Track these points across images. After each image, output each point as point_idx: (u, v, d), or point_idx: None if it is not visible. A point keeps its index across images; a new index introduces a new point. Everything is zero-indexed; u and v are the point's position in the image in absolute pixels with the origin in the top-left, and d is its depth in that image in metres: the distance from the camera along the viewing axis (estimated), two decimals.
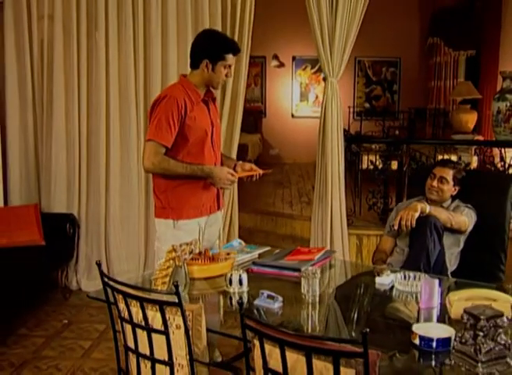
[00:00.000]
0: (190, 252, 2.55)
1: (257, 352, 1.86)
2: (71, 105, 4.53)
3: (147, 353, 2.16)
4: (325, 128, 4.47)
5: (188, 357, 2.07)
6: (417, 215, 3.00)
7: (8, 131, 4.57)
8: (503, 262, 3.28)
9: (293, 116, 10.09)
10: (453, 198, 3.35)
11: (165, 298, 2.09)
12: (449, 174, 3.28)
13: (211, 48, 2.99)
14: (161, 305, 2.06)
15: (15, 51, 4.53)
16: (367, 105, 9.89)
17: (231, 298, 2.53)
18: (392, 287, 2.60)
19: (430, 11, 9.00)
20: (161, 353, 2.13)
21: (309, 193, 6.40)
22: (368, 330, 1.62)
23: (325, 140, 4.46)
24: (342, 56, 4.41)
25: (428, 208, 3.05)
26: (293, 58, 9.93)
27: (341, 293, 2.66)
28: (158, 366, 2.15)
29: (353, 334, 2.16)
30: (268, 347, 1.82)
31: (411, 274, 2.59)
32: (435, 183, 3.29)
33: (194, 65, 3.02)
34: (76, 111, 4.53)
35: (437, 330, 2.03)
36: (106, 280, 2.21)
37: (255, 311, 2.34)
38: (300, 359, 1.76)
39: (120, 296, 2.17)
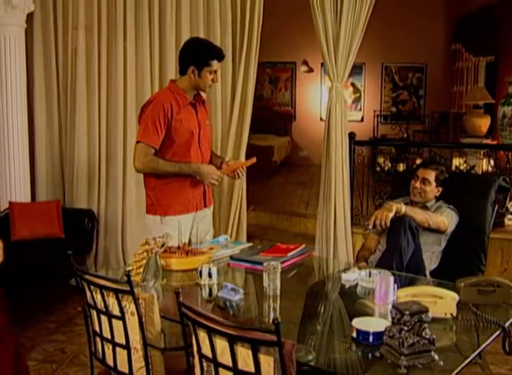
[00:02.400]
0: (162, 245, 2.72)
1: (194, 338, 2.01)
2: (92, 108, 4.82)
3: (109, 337, 2.34)
4: (329, 131, 4.58)
5: (142, 342, 2.23)
6: (391, 215, 3.08)
7: (35, 133, 4.89)
8: (483, 262, 3.33)
9: (321, 119, 10.18)
10: (437, 198, 3.40)
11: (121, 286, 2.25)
12: (431, 175, 3.34)
13: (196, 55, 3.17)
14: (117, 293, 2.23)
15: (42, 57, 4.87)
16: (393, 109, 9.91)
17: (201, 290, 2.69)
18: (358, 283, 2.69)
19: (454, 17, 9.02)
20: (120, 337, 2.30)
21: None
22: (279, 319, 1.74)
23: (329, 142, 4.58)
24: (346, 61, 4.51)
25: (403, 209, 3.12)
26: (322, 64, 10.00)
27: (305, 288, 2.77)
28: (118, 349, 2.33)
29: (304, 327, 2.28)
30: (202, 334, 1.96)
31: (375, 271, 2.67)
32: (417, 184, 3.36)
33: (182, 71, 3.20)
34: (97, 114, 4.81)
35: (376, 324, 2.12)
36: (75, 270, 2.41)
37: (222, 302, 2.50)
38: (227, 346, 1.89)
39: (85, 284, 2.35)
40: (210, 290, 2.68)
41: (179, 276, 2.86)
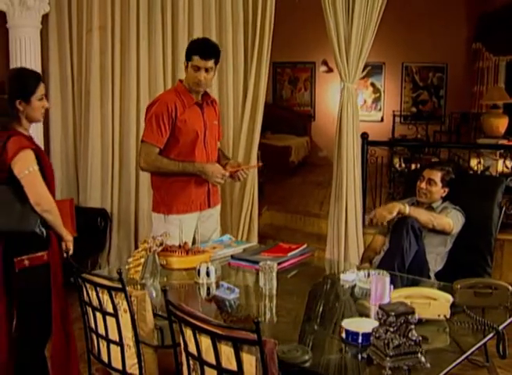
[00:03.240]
0: (161, 244, 2.75)
1: (181, 336, 2.03)
2: (105, 108, 4.87)
3: (104, 334, 2.37)
4: (340, 131, 4.57)
5: (134, 339, 2.26)
6: (390, 216, 3.07)
7: (50, 133, 4.96)
8: (489, 264, 3.29)
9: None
10: (444, 199, 3.37)
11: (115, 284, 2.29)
12: (437, 176, 3.32)
13: (187, 50, 3.20)
14: (109, 290, 2.26)
15: (57, 58, 4.93)
16: (413, 109, 9.82)
17: (199, 288, 2.71)
18: (356, 284, 2.68)
19: (476, 16, 8.90)
20: (113, 334, 2.33)
21: None
22: (259, 319, 1.75)
23: (340, 142, 4.56)
24: (358, 62, 4.48)
25: (407, 209, 3.10)
26: None
27: (304, 288, 2.77)
28: (112, 346, 2.37)
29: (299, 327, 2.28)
30: (188, 332, 1.98)
31: (373, 272, 2.66)
32: (423, 184, 3.34)
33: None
34: (110, 114, 4.86)
35: (367, 325, 2.11)
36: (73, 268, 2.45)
37: (219, 301, 2.52)
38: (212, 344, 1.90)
39: (81, 281, 2.39)
40: (208, 289, 2.70)
41: (180, 274, 2.89)
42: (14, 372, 2.76)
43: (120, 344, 2.32)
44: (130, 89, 4.78)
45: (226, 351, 1.87)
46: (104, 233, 4.86)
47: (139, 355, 2.27)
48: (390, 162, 5.96)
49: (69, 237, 2.89)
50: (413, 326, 1.94)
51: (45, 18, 4.70)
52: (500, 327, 2.21)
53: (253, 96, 4.70)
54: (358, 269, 2.81)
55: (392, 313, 1.92)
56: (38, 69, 4.59)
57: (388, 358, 1.90)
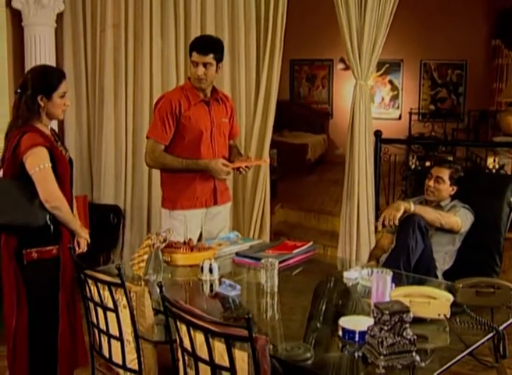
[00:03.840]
0: (164, 241, 2.77)
1: (176, 332, 2.04)
2: (119, 105, 4.90)
3: (105, 329, 2.40)
4: (353, 129, 4.54)
5: (133, 334, 2.28)
6: (399, 214, 3.04)
7: (65, 130, 5.01)
8: (498, 263, 3.26)
9: None
10: (453, 197, 3.33)
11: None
12: (445, 174, 3.29)
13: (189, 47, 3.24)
14: (109, 286, 2.28)
15: (72, 56, 4.97)
16: (432, 107, 9.70)
17: (202, 285, 2.72)
18: (359, 282, 2.67)
19: (495, 13, 8.77)
20: (114, 329, 2.36)
21: None
22: (250, 315, 1.75)
23: (352, 140, 4.54)
24: (370, 59, 4.44)
25: (412, 208, 3.08)
26: None
27: (307, 285, 2.76)
28: (112, 341, 2.39)
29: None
30: (183, 327, 1.99)
31: (376, 270, 2.64)
32: (431, 182, 3.31)
33: None
34: (123, 111, 4.90)
35: (364, 323, 2.10)
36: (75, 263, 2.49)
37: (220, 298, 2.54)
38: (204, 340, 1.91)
39: (83, 277, 2.42)
40: (211, 285, 2.71)
41: (185, 271, 2.91)
42: (27, 362, 2.81)
43: (120, 339, 2.34)
44: (143, 86, 4.81)
45: (219, 347, 1.88)
46: (117, 229, 4.91)
47: (138, 350, 2.29)
48: (407, 160, 5.92)
49: (83, 234, 2.93)
50: (408, 325, 1.93)
51: (60, 16, 4.76)
52: (501, 327, 2.19)
53: (265, 93, 4.69)
54: (362, 267, 2.79)
55: (387, 312, 1.91)
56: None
57: (382, 357, 1.89)
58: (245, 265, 2.96)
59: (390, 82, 9.85)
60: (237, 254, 3.04)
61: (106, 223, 4.81)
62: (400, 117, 9.60)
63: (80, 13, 4.87)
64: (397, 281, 2.64)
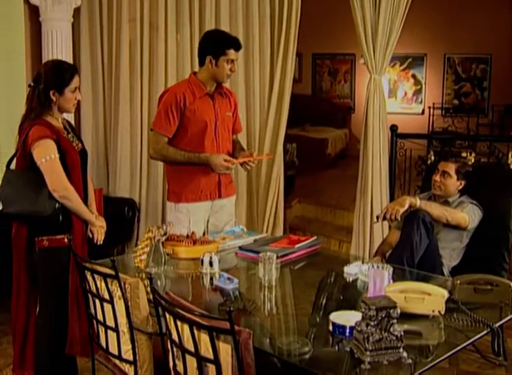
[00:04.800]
0: (164, 234, 2.78)
1: (164, 324, 2.06)
2: (134, 99, 4.95)
3: (102, 320, 2.43)
4: (367, 123, 4.51)
5: (128, 325, 2.30)
6: (402, 209, 3.01)
7: (82, 125, 5.07)
8: (506, 260, 3.20)
9: None
10: (461, 193, 3.28)
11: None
12: (451, 168, 3.24)
13: (213, 45, 3.24)
14: (105, 277, 2.31)
15: (89, 51, 5.03)
16: (455, 101, 9.52)
17: (203, 278, 2.74)
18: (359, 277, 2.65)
19: None
20: (110, 320, 2.39)
21: None
22: (231, 308, 1.75)
23: (367, 134, 4.51)
24: (385, 53, 4.40)
25: (418, 203, 3.04)
26: None
27: (307, 280, 2.75)
28: (109, 331, 2.42)
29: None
30: (171, 320, 2.00)
31: (376, 265, 2.62)
32: (437, 177, 3.27)
33: (201, 62, 3.29)
34: (139, 104, 4.94)
35: (355, 319, 2.08)
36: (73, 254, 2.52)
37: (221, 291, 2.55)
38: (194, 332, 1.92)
39: (81, 268, 2.46)
40: (211, 278, 2.72)
41: (187, 264, 2.93)
42: (33, 349, 2.90)
43: (116, 330, 2.37)
44: (159, 81, 4.85)
45: (205, 339, 1.89)
46: (132, 222, 4.96)
47: (133, 341, 2.31)
48: (427, 156, 5.83)
49: (97, 223, 2.98)
50: (395, 321, 1.90)
51: (77, 11, 4.82)
52: (496, 325, 2.15)
53: (279, 89, 4.69)
54: (363, 262, 2.77)
55: (373, 307, 1.89)
56: (70, 62, 4.73)
57: (368, 353, 1.87)
58: (247, 259, 2.96)
59: (413, 76, 9.72)
60: (240, 248, 3.04)
61: (121, 216, 4.87)
62: (422, 112, 9.46)
63: (96, 8, 4.92)
64: (400, 277, 2.64)
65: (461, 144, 6.27)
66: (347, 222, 5.49)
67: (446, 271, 3.17)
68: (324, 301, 2.51)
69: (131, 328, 2.30)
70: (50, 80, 2.78)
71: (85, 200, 2.94)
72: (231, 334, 1.78)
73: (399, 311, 1.91)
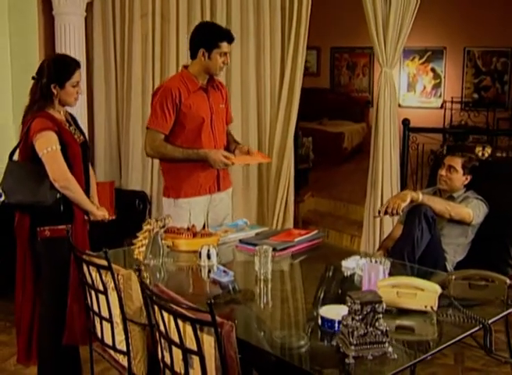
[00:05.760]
0: (163, 226, 2.80)
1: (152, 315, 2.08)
2: (146, 94, 4.95)
3: (97, 311, 2.46)
4: (377, 117, 4.48)
5: (121, 316, 2.32)
6: (404, 204, 2.97)
7: (95, 118, 5.13)
8: None
9: (399, 105, 9.79)
10: (467, 188, 3.24)
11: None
12: (457, 163, 3.20)
13: (206, 37, 3.23)
14: (98, 268, 2.33)
15: (102, 44, 5.07)
16: (475, 95, 9.35)
17: (201, 271, 2.75)
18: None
19: None
20: (104, 311, 2.41)
21: None
22: (212, 300, 1.75)
23: (377, 128, 4.49)
24: (396, 46, 4.36)
25: (420, 197, 3.01)
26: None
27: (303, 273, 2.75)
28: (104, 322, 2.45)
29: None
30: (158, 311, 2.01)
31: (375, 260, 2.59)
32: (443, 172, 3.23)
33: (193, 55, 3.27)
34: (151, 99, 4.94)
35: (345, 313, 2.07)
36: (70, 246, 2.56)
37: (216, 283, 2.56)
38: (179, 325, 1.93)
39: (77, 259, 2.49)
40: (209, 271, 2.73)
41: (187, 256, 2.93)
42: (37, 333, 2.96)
43: (110, 321, 2.40)
44: (170, 74, 4.83)
45: (190, 331, 1.90)
46: (143, 215, 4.98)
47: (126, 331, 2.33)
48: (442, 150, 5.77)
49: (99, 213, 3.02)
50: (380, 316, 1.89)
51: (90, 5, 4.86)
52: (490, 321, 2.12)
53: (289, 83, 4.67)
54: (361, 256, 2.74)
55: (358, 301, 1.87)
56: (83, 55, 4.77)
57: (352, 347, 1.86)
58: (247, 252, 2.96)
59: (432, 70, 9.56)
60: (240, 241, 3.04)
61: (132, 208, 4.90)
62: (442, 106, 9.30)
63: (109, 2, 4.96)
64: (399, 272, 2.62)
65: (478, 138, 6.16)
66: (360, 216, 5.42)
67: (449, 267, 3.13)
68: (319, 295, 2.50)
69: (124, 319, 2.32)
70: (51, 73, 2.83)
71: (87, 191, 2.98)
72: (213, 326, 1.78)
73: (384, 306, 1.90)
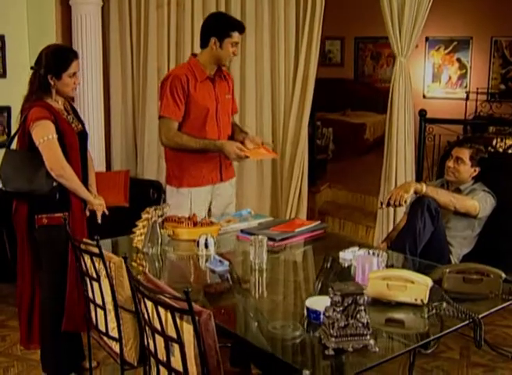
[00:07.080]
0: (161, 215, 2.81)
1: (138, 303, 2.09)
2: None
3: (92, 298, 2.49)
4: (392, 107, 4.43)
5: (113, 303, 2.34)
6: (406, 195, 2.91)
7: (111, 107, 5.17)
8: None
9: (424, 96, 9.63)
10: (476, 180, 3.17)
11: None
12: (465, 154, 3.13)
13: (218, 26, 3.21)
14: (91, 256, 2.36)
15: (118, 33, 5.09)
16: (502, 86, 9.10)
17: (199, 260, 2.75)
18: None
19: None
20: (98, 298, 2.44)
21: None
22: (189, 288, 1.75)
23: (392, 119, 4.44)
24: (411, 35, 4.29)
25: (424, 189, 2.95)
26: (426, 39, 9.54)
27: (300, 264, 2.73)
28: (98, 309, 2.48)
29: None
30: (141, 299, 2.03)
31: (371, 252, 2.56)
32: (451, 163, 3.17)
33: (203, 44, 3.25)
34: None
35: None
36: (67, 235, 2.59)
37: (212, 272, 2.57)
38: (160, 312, 1.93)
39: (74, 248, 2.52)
40: (206, 260, 2.73)
41: (187, 245, 2.93)
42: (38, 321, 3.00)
43: (103, 308, 2.43)
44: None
45: (171, 319, 1.90)
46: (157, 204, 5.00)
47: (118, 318, 2.35)
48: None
49: (95, 201, 3.03)
50: (362, 308, 1.86)
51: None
52: (481, 315, 2.07)
53: (303, 73, 4.64)
54: (360, 247, 2.71)
55: (339, 293, 1.85)
56: (99, 45, 4.81)
57: (333, 339, 1.84)
58: (247, 241, 2.95)
59: (458, 60, 9.36)
60: (242, 230, 3.04)
61: (146, 197, 4.93)
62: (467, 97, 9.09)
63: None
64: (400, 264, 2.58)
65: (500, 130, 6.00)
66: (376, 208, 5.39)
67: (454, 260, 3.07)
68: (312, 287, 2.48)
69: (116, 306, 2.35)
70: (48, 64, 2.85)
71: (84, 180, 3.00)
72: (189, 314, 1.78)
73: (366, 297, 1.88)
